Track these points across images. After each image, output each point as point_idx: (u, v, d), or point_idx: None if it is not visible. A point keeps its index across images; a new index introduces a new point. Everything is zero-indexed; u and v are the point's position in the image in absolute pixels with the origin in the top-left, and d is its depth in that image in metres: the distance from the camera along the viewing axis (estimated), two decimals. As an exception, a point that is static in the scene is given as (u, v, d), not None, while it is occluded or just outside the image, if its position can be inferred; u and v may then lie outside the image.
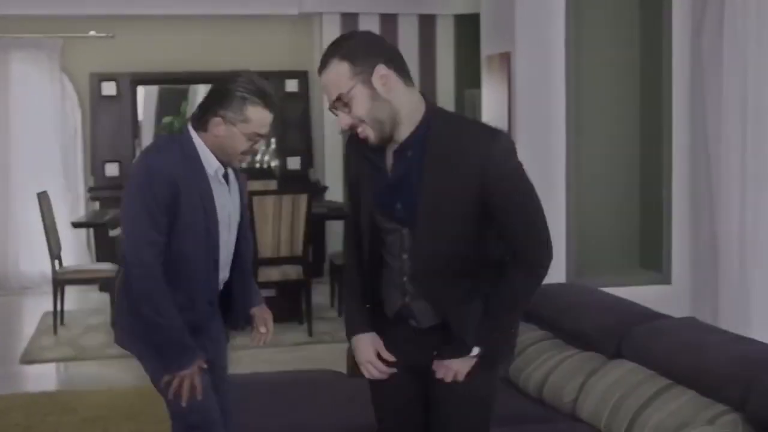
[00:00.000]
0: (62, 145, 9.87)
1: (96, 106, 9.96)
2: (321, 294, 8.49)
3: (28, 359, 6.97)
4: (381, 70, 2.60)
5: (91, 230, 9.49)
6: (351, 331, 2.89)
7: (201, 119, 3.15)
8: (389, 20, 9.84)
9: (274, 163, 9.93)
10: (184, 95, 10.42)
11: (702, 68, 5.26)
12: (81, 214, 9.51)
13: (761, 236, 5.10)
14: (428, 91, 9.60)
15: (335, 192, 9.88)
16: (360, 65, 2.59)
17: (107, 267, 7.93)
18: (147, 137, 10.24)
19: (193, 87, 10.41)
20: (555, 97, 5.34)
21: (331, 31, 9.57)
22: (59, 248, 7.94)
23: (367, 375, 2.88)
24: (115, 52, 9.90)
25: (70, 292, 8.37)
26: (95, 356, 7.00)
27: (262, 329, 3.42)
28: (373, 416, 3.05)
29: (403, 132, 2.66)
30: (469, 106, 9.61)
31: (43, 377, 6.61)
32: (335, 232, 9.84)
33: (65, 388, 6.33)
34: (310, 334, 7.43)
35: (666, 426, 3.27)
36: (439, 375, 2.79)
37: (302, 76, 10.14)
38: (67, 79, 9.91)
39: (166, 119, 10.18)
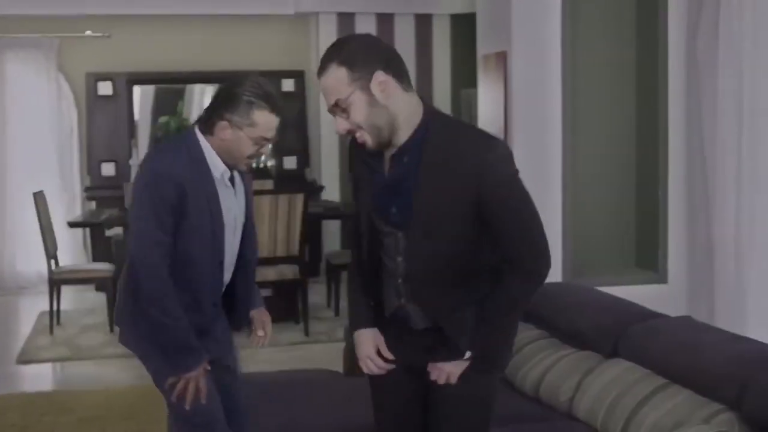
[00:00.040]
0: (58, 145, 9.86)
1: (92, 105, 9.95)
2: (317, 294, 8.49)
3: (24, 359, 6.97)
4: (379, 76, 2.58)
5: (88, 230, 9.47)
6: (353, 326, 2.92)
7: (207, 123, 3.15)
8: (385, 20, 9.85)
9: (270, 163, 9.93)
10: (180, 95, 10.41)
11: (697, 69, 5.27)
12: (77, 213, 9.51)
13: (757, 236, 5.11)
14: (425, 91, 9.68)
15: (331, 192, 9.89)
16: (358, 71, 2.58)
17: (103, 267, 7.93)
18: (143, 137, 10.24)
19: (189, 87, 10.41)
20: (551, 97, 5.35)
21: (328, 31, 9.59)
22: (55, 248, 7.93)
23: (365, 370, 2.90)
24: (111, 51, 9.89)
25: (67, 292, 8.35)
26: (92, 356, 7.00)
27: (260, 332, 3.43)
28: (370, 416, 3.05)
29: (402, 136, 2.66)
30: (465, 105, 9.62)
31: (39, 377, 6.60)
32: (331, 232, 9.86)
33: (62, 388, 6.33)
34: (307, 333, 7.44)
35: (662, 425, 3.28)
36: (432, 377, 2.80)
37: (299, 76, 10.14)
38: (63, 79, 9.90)
39: (163, 119, 10.17)
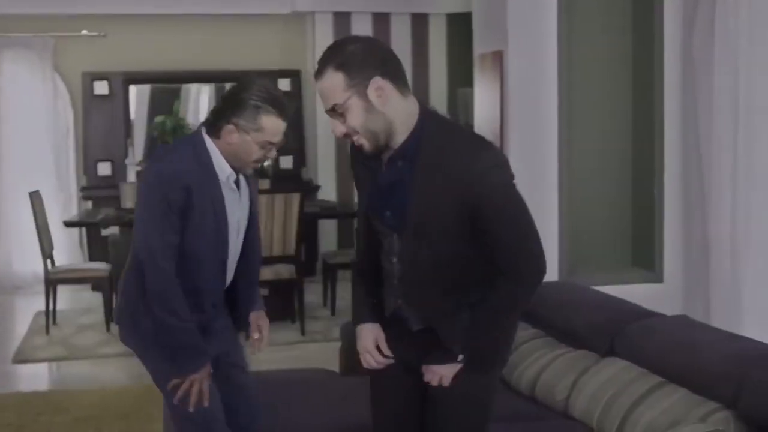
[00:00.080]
0: (54, 145, 9.85)
1: (88, 105, 9.94)
2: (313, 293, 8.49)
3: (20, 359, 6.96)
4: (377, 82, 2.57)
5: (84, 229, 9.48)
6: (356, 321, 2.93)
7: (214, 126, 3.15)
8: (382, 19, 9.85)
9: (266, 162, 9.92)
10: (176, 94, 10.41)
11: (693, 67, 5.27)
12: (73, 213, 9.50)
13: (752, 234, 5.11)
14: (421, 90, 9.68)
15: (328, 191, 9.88)
16: (355, 77, 2.57)
17: (100, 266, 7.92)
18: (139, 137, 10.24)
19: (185, 86, 10.41)
20: (547, 96, 5.35)
21: (324, 30, 9.59)
22: (51, 248, 7.92)
23: (365, 364, 2.91)
24: (107, 51, 9.89)
25: (63, 292, 8.35)
26: (87, 356, 7.00)
27: (255, 335, 3.44)
28: (366, 415, 3.05)
29: (399, 140, 2.66)
30: (461, 104, 9.62)
31: (35, 377, 6.60)
32: (328, 232, 9.85)
33: (57, 387, 6.32)
34: (303, 333, 7.44)
35: (658, 423, 3.28)
36: (426, 378, 2.81)
37: (295, 75, 10.14)
38: (59, 79, 9.89)
39: (159, 118, 10.16)
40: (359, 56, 2.58)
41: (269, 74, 9.84)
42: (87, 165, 9.98)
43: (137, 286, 3.19)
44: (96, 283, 8.37)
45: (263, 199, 7.12)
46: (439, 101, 9.82)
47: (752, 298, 5.12)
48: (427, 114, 2.69)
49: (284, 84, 10.04)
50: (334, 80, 2.58)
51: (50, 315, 7.71)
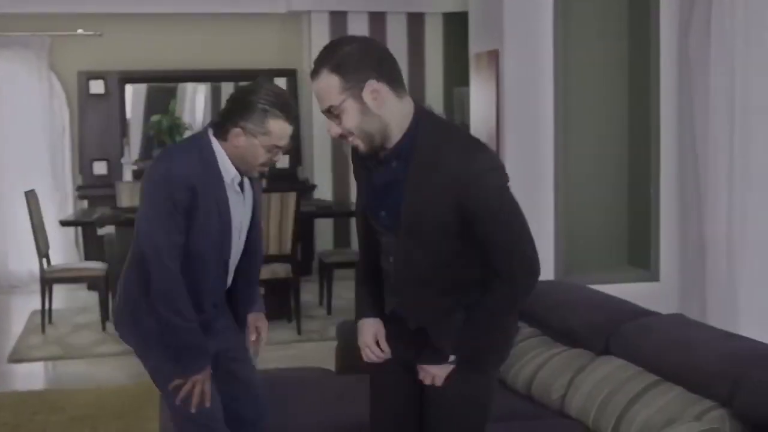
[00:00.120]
0: (50, 144, 9.84)
1: (84, 104, 9.93)
2: (310, 292, 8.49)
3: (16, 358, 6.96)
4: (372, 85, 2.57)
5: (80, 229, 9.46)
6: (357, 315, 2.95)
7: (222, 128, 3.15)
8: (378, 18, 9.85)
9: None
10: (172, 93, 10.40)
11: (690, 67, 5.28)
12: (69, 212, 9.49)
13: (748, 234, 5.13)
14: (417, 90, 9.68)
15: (324, 190, 9.88)
16: (351, 79, 2.56)
17: (95, 266, 7.91)
18: (135, 136, 10.23)
19: (181, 85, 10.40)
20: (543, 95, 5.35)
21: (320, 30, 9.59)
22: (47, 247, 7.92)
23: (365, 358, 2.92)
24: (103, 50, 9.87)
25: (58, 291, 8.34)
26: (83, 355, 6.99)
27: (253, 337, 3.44)
28: (362, 413, 3.06)
29: (394, 140, 2.66)
30: (457, 104, 9.63)
31: (31, 376, 6.59)
32: (324, 231, 9.85)
33: (53, 386, 6.31)
34: (299, 332, 7.44)
35: (654, 422, 3.28)
36: (420, 377, 2.82)
37: (291, 75, 10.13)
38: (55, 78, 9.88)
39: (155, 118, 10.16)
40: (355, 58, 2.57)
41: (265, 73, 9.83)
42: (83, 164, 9.97)
43: (139, 284, 3.19)
44: (92, 283, 8.36)
45: (259, 198, 7.11)
46: (435, 101, 9.83)
47: (748, 297, 5.13)
48: (422, 114, 2.68)
49: (280, 83, 10.02)
50: (330, 82, 2.58)
51: (46, 314, 7.70)
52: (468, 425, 2.85)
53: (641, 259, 5.58)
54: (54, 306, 7.95)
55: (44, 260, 7.78)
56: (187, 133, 10.31)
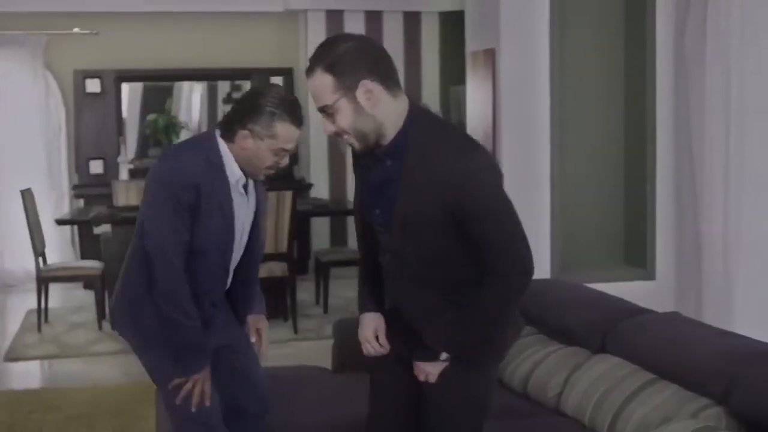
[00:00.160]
0: (46, 143, 9.83)
1: (80, 103, 9.92)
2: (306, 291, 8.49)
3: (12, 357, 6.95)
4: (366, 85, 2.57)
5: (76, 228, 9.46)
6: (359, 310, 2.96)
7: (229, 130, 3.15)
8: (374, 17, 9.85)
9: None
10: (169, 92, 10.40)
11: (686, 67, 5.28)
12: (65, 211, 9.49)
13: (744, 233, 5.13)
14: (413, 89, 9.68)
15: (320, 189, 9.89)
16: (344, 79, 2.56)
17: (92, 264, 7.91)
18: (131, 135, 10.23)
19: (177, 84, 10.41)
20: (539, 93, 5.36)
21: (317, 28, 9.58)
22: (43, 246, 7.91)
23: (365, 352, 2.93)
24: (99, 48, 9.87)
25: (54, 290, 8.33)
26: (79, 354, 6.99)
27: (253, 339, 3.45)
28: (359, 411, 3.06)
29: (389, 139, 2.66)
30: (454, 103, 9.63)
31: (27, 375, 6.59)
32: (320, 229, 9.85)
33: (49, 385, 6.31)
34: (295, 331, 7.44)
35: (650, 420, 3.29)
36: (415, 373, 2.82)
37: (287, 73, 10.12)
38: (51, 76, 9.87)
39: (151, 117, 10.16)
40: (349, 57, 2.57)
41: (262, 72, 9.86)
42: (79, 163, 9.96)
43: (141, 282, 3.19)
44: (88, 281, 8.34)
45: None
46: (431, 100, 9.83)
47: (744, 296, 5.14)
48: (416, 112, 2.68)
49: (277, 82, 10.03)
50: (324, 82, 2.58)
51: (42, 313, 7.69)
52: (465, 423, 2.85)
53: (637, 257, 5.59)
54: (50, 305, 7.95)
55: (40, 259, 7.77)
56: (184, 132, 10.32)
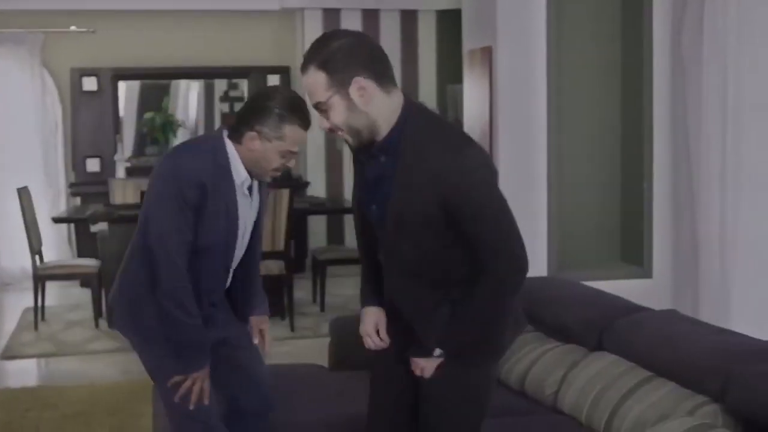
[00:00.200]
0: (43, 141, 9.83)
1: (77, 101, 9.91)
2: (303, 289, 8.49)
3: (8, 355, 6.94)
4: (359, 82, 2.57)
5: (72, 226, 9.46)
6: (361, 304, 2.97)
7: (237, 131, 3.15)
8: (371, 15, 9.85)
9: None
10: (165, 91, 10.39)
11: (683, 65, 5.29)
12: (62, 209, 9.48)
13: (741, 232, 5.14)
14: (410, 87, 9.68)
15: (317, 187, 9.88)
16: (337, 77, 2.57)
17: (88, 263, 7.90)
18: (128, 133, 10.22)
19: (174, 82, 10.41)
20: (536, 91, 5.36)
21: (313, 27, 9.58)
22: (40, 244, 7.90)
23: (366, 345, 2.93)
24: (96, 47, 9.86)
25: (51, 288, 8.33)
26: (76, 352, 6.98)
27: (256, 340, 3.45)
28: (356, 409, 3.07)
29: (383, 135, 2.67)
30: (451, 101, 9.63)
31: (23, 373, 6.58)
32: (317, 228, 9.85)
33: (46, 383, 6.30)
34: (292, 329, 7.44)
35: (646, 417, 3.29)
36: (412, 368, 2.82)
37: (284, 72, 10.12)
38: (47, 74, 9.86)
39: (148, 115, 10.15)
40: (342, 54, 2.58)
41: (259, 70, 9.85)
42: (75, 161, 9.95)
43: (141, 280, 3.18)
44: (85, 280, 8.35)
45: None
46: (428, 98, 9.83)
47: (740, 294, 5.14)
48: (410, 108, 2.68)
49: (274, 80, 10.04)
50: (317, 79, 2.59)
51: (39, 311, 7.69)
52: (464, 422, 2.85)
53: (634, 256, 5.59)
54: (47, 303, 7.95)
55: (37, 257, 7.77)
56: (181, 130, 10.32)
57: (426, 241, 2.67)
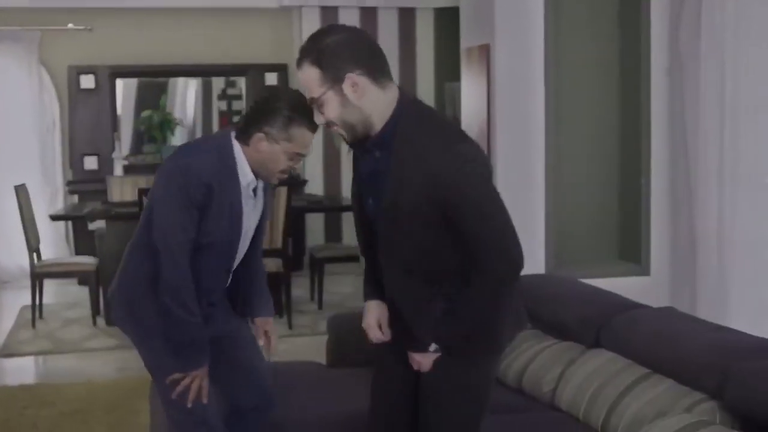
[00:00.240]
0: (40, 139, 9.81)
1: (74, 99, 9.90)
2: (301, 287, 8.49)
3: (6, 353, 6.94)
4: (352, 78, 2.59)
5: (70, 223, 9.44)
6: (364, 297, 2.97)
7: (244, 132, 3.14)
8: (369, 13, 9.84)
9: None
10: (163, 88, 10.38)
11: (680, 62, 5.29)
12: (59, 207, 9.47)
13: (738, 229, 5.14)
14: (408, 85, 9.66)
15: (315, 185, 9.88)
16: (331, 72, 2.59)
17: (86, 260, 7.90)
18: (126, 131, 10.21)
19: (172, 80, 10.39)
20: (534, 89, 5.36)
21: (311, 25, 9.55)
22: (37, 241, 7.89)
23: (369, 337, 2.94)
24: (93, 44, 9.85)
25: (49, 286, 8.32)
26: (74, 349, 6.98)
27: (260, 341, 3.45)
28: (354, 406, 3.06)
29: (377, 130, 2.67)
30: (449, 99, 9.63)
31: (21, 371, 6.58)
32: (315, 225, 9.84)
33: (44, 381, 6.30)
34: (290, 327, 7.44)
35: (644, 414, 3.29)
36: (410, 362, 2.83)
37: (282, 69, 10.11)
38: (45, 72, 9.84)
39: (145, 113, 10.14)
40: (336, 50, 2.59)
41: (256, 68, 9.84)
42: (73, 159, 9.94)
43: (140, 280, 3.19)
44: (82, 277, 8.34)
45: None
46: (426, 96, 9.82)
47: (738, 291, 5.15)
48: (405, 103, 2.68)
49: (271, 78, 10.03)
50: (311, 74, 2.61)
51: (36, 309, 7.68)
52: (463, 419, 2.85)
53: (632, 253, 5.60)
54: (44, 301, 7.93)
55: (34, 255, 7.76)
56: (179, 129, 10.31)
57: (419, 235, 2.68)
